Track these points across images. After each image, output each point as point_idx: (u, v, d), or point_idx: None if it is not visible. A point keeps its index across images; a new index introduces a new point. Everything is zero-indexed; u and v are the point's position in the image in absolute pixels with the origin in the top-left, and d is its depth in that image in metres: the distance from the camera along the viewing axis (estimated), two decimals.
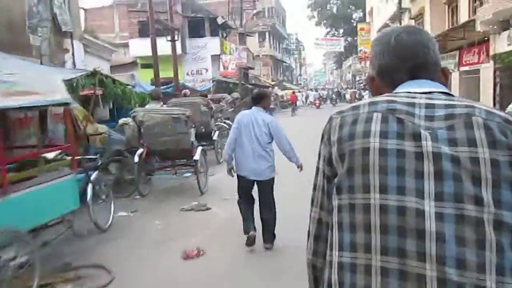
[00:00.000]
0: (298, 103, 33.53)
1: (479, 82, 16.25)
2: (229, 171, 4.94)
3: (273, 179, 4.77)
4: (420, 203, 0.86)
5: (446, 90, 1.03)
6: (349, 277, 0.89)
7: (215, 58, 25.16)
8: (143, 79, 25.19)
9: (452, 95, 1.00)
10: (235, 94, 13.99)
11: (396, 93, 1.01)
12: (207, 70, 24.76)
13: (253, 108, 4.83)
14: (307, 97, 40.35)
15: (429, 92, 0.99)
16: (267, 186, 4.72)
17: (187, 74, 24.78)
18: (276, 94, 37.94)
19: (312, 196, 1.08)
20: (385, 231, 0.87)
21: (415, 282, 0.83)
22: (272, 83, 39.86)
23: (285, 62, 59.46)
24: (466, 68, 17.26)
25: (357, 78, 69.66)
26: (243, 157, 4.66)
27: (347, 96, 40.37)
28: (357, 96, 37.30)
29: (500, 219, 0.83)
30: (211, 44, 24.88)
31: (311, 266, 1.09)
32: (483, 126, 0.89)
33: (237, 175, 4.80)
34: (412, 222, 0.85)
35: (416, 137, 0.90)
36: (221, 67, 25.07)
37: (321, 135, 1.05)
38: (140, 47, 23.35)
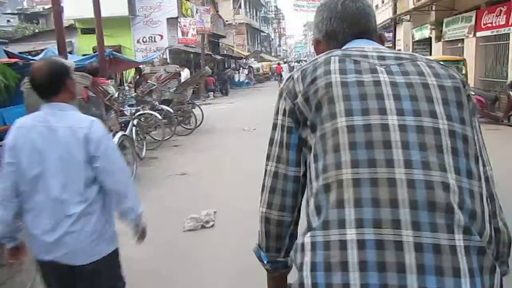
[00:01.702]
0: (283, 74, 30.05)
1: (506, 51, 12.37)
2: (11, 254, 2.12)
3: (115, 257, 2.08)
4: (384, 119, 0.92)
5: (378, 46, 1.10)
6: (324, 198, 0.92)
7: (172, 22, 20.62)
8: (85, 47, 20.72)
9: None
10: (171, 68, 9.74)
11: (346, 48, 1.08)
12: (162, 36, 20.29)
13: (45, 107, 1.99)
14: (292, 68, 36.60)
15: (363, 48, 1.07)
16: (100, 277, 2.01)
17: (138, 41, 20.32)
18: (251, 66, 33.69)
19: (268, 151, 1.09)
20: (353, 147, 0.91)
21: (386, 186, 0.87)
22: (246, 54, 35.39)
23: (263, 32, 54.97)
24: (487, 33, 13.35)
25: None
26: (36, 220, 1.95)
27: None
28: None
29: (452, 129, 0.93)
30: (166, 4, 20.22)
31: (264, 220, 1.09)
32: (426, 65, 1.01)
33: (36, 262, 2.08)
34: (379, 135, 0.91)
35: (373, 71, 0.98)
36: (179, 33, 20.52)
37: (279, 94, 1.06)
38: (78, 8, 18.66)
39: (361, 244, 0.83)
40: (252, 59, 41.02)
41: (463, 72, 12.82)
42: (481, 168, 0.95)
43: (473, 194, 0.89)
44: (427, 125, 0.91)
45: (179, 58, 20.60)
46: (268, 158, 1.08)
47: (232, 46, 36.23)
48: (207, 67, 10.41)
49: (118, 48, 20.47)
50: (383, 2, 24.28)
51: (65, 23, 19.73)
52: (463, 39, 15.01)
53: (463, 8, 15.00)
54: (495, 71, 13.35)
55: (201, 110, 10.70)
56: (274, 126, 1.07)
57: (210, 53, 26.05)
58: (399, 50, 24.92)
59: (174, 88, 9.65)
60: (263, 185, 1.09)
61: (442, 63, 1.03)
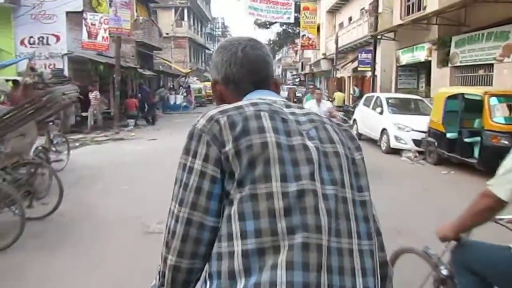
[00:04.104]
0: None
1: None
2: None
3: None
4: (313, 185, 0.99)
5: (283, 99, 1.16)
6: (257, 261, 0.95)
7: (75, 18, 14.66)
8: None
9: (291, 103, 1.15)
10: None
11: (255, 101, 1.09)
12: (58, 38, 14.29)
13: None
14: None
15: (275, 101, 1.11)
16: None
17: (22, 42, 14.13)
18: (189, 86, 27.99)
19: (180, 195, 1.02)
20: (289, 214, 0.96)
21: (315, 251, 0.95)
22: (186, 71, 29.72)
23: (209, 49, 49.73)
24: None
25: (288, 74, 62.13)
26: None
27: (283, 93, 32.04)
28: (296, 94, 29.50)
29: (353, 197, 1.04)
30: None
31: (172, 269, 1.04)
32: (333, 131, 1.09)
33: None
34: (311, 200, 0.97)
35: (301, 133, 1.04)
36: (84, 35, 14.50)
37: (197, 135, 1.01)
38: None
39: None
40: (195, 78, 35.43)
41: None
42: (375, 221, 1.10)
43: (372, 254, 1.02)
44: (340, 194, 1.01)
45: (83, 69, 14.54)
46: (178, 202, 1.02)
47: (170, 62, 30.51)
48: (69, 85, 4.74)
49: None
50: (362, 14, 19.91)
51: None
52: (491, 64, 10.51)
53: (479, 23, 10.69)
54: None
55: (57, 179, 4.92)
56: (187, 169, 1.01)
57: (136, 66, 20.13)
58: (355, 87, 21.38)
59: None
60: (172, 231, 1.02)
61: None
